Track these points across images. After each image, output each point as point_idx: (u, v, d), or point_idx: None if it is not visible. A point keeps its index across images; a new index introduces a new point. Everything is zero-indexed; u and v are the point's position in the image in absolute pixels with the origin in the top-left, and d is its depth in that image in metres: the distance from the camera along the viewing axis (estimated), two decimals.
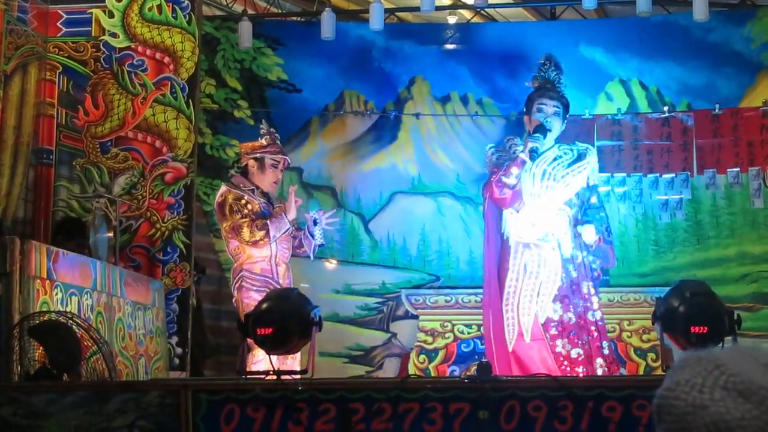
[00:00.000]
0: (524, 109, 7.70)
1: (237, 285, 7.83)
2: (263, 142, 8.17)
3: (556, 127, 7.48)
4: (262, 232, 7.79)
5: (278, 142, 8.33)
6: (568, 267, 7.26)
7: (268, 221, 7.82)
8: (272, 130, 8.37)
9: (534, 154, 7.27)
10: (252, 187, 8.00)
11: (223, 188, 8.01)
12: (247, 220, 7.79)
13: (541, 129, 7.38)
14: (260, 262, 7.85)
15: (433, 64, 10.23)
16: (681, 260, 9.66)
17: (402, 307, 9.76)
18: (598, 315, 7.27)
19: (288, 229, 7.92)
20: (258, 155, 8.08)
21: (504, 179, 7.31)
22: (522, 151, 7.34)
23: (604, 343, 7.22)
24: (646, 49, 9.91)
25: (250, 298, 7.54)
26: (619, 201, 9.66)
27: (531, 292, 7.19)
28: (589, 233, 7.27)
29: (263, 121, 8.87)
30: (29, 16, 8.22)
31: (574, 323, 7.16)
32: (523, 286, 7.22)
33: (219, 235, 9.92)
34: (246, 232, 7.76)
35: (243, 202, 7.88)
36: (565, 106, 7.56)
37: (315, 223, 8.06)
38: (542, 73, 7.62)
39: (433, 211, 10.07)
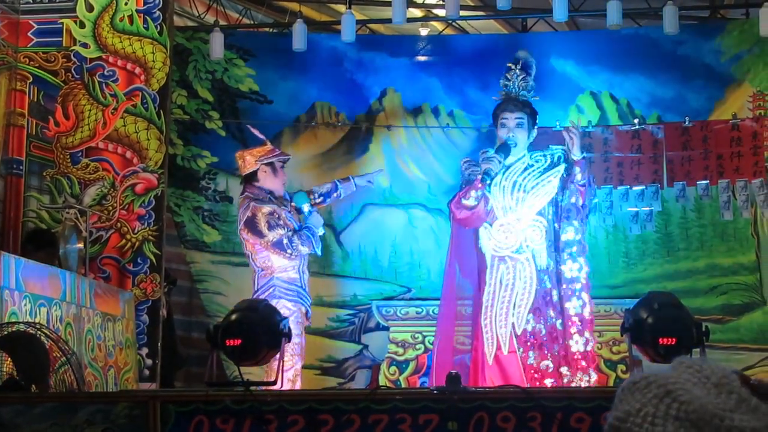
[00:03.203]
0: (493, 124, 7.72)
1: (266, 294, 7.61)
2: (268, 146, 8.14)
3: (522, 138, 7.45)
4: (305, 248, 7.82)
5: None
6: (543, 278, 7.28)
7: (311, 236, 7.86)
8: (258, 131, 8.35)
9: (486, 176, 7.25)
10: (267, 194, 7.97)
11: (251, 204, 7.83)
12: (290, 233, 7.76)
13: (504, 148, 7.38)
14: (290, 270, 7.83)
15: (404, 76, 10.24)
16: (651, 272, 9.71)
17: (373, 319, 9.76)
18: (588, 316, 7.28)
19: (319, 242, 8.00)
20: (271, 159, 8.05)
21: (463, 201, 7.31)
22: (479, 173, 7.33)
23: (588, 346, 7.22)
24: (617, 62, 9.97)
25: (284, 307, 7.28)
26: (590, 213, 9.68)
27: (507, 304, 7.21)
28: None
29: (247, 126, 8.82)
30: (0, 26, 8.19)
31: (545, 334, 7.17)
32: (499, 299, 7.23)
33: (190, 246, 9.94)
34: (297, 246, 7.77)
35: (276, 215, 7.82)
36: (531, 114, 7.51)
37: (310, 213, 8.03)
38: (507, 82, 7.59)
39: (405, 223, 10.08)
